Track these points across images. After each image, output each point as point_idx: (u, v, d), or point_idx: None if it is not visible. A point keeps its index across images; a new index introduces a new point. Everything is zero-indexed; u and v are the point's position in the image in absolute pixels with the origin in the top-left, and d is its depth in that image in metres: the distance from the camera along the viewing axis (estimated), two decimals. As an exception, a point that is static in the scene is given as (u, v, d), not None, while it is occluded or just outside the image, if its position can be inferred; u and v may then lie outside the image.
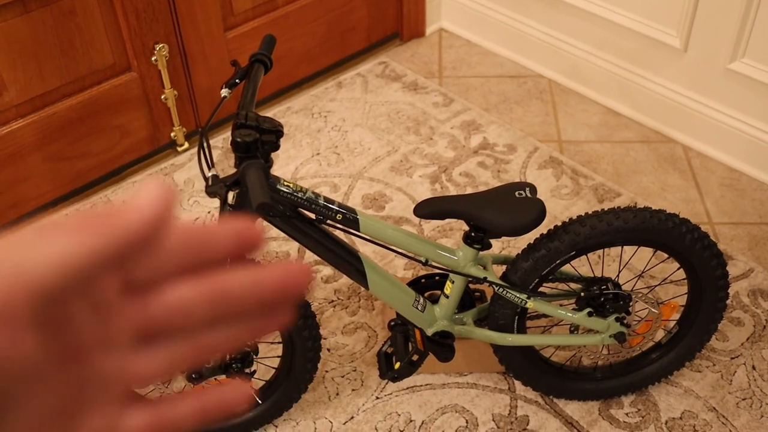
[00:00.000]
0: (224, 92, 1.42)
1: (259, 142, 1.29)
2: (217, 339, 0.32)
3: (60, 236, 0.28)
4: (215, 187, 1.31)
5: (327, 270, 2.15)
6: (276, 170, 2.08)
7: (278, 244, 2.23)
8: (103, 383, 0.30)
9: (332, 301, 2.08)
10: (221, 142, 2.62)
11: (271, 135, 1.31)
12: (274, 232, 2.25)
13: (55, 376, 0.28)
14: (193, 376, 1.57)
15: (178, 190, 1.95)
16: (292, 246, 2.22)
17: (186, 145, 2.60)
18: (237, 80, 1.44)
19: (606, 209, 1.56)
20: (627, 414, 1.82)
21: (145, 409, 0.32)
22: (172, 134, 2.55)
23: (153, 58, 2.35)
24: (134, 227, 0.29)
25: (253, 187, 1.19)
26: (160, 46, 2.34)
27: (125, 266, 0.30)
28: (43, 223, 0.29)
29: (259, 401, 1.74)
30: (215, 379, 1.61)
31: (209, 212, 2.35)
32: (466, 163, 2.52)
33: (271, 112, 2.74)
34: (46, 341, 0.28)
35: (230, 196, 1.37)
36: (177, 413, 0.32)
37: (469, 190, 2.40)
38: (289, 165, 2.52)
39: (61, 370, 0.29)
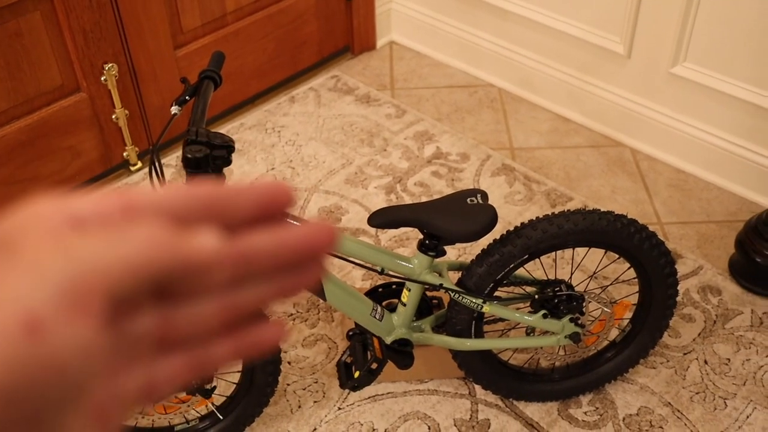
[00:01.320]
0: (174, 109, 1.42)
1: (210, 158, 1.29)
2: (248, 297, 0.32)
3: (142, 236, 0.28)
4: (168, 203, 1.31)
5: (285, 284, 2.15)
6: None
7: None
8: (123, 395, 0.30)
9: (291, 314, 2.08)
10: (174, 160, 2.61)
11: (222, 150, 1.31)
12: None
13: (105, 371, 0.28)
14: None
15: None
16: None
17: (139, 164, 2.58)
18: (187, 97, 1.44)
19: (556, 213, 1.60)
20: (585, 413, 1.86)
21: (180, 352, 0.31)
22: (125, 154, 2.53)
23: (102, 78, 2.34)
24: (203, 260, 0.29)
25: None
26: (109, 65, 2.33)
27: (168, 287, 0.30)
28: (133, 201, 0.29)
29: (220, 417, 1.73)
30: (176, 396, 1.60)
31: (165, 231, 2.34)
32: (420, 173, 2.55)
33: (224, 129, 2.74)
34: (111, 339, 0.28)
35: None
36: (212, 353, 0.32)
37: (424, 200, 2.42)
38: (244, 181, 2.52)
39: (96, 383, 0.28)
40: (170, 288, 0.30)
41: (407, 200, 2.44)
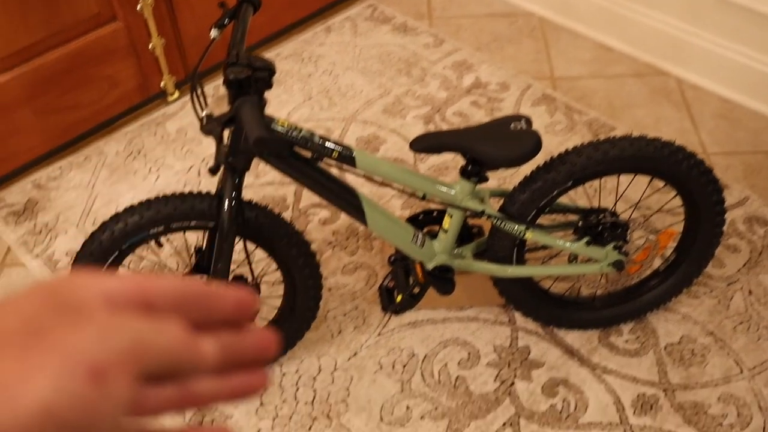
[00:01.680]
0: (213, 33, 1.40)
1: (251, 80, 1.28)
2: (205, 391, 0.38)
3: (172, 333, 0.35)
4: (210, 125, 1.31)
5: (324, 212, 2.16)
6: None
7: (274, 188, 2.23)
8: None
9: (331, 242, 2.08)
10: (212, 89, 2.59)
11: (264, 72, 1.30)
12: (269, 176, 2.25)
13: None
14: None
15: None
16: (288, 190, 2.22)
17: (176, 94, 2.58)
18: (226, 21, 1.42)
19: (602, 139, 1.56)
20: (626, 341, 1.85)
21: (170, 386, 0.37)
22: (162, 84, 2.52)
23: (138, 7, 2.32)
24: (202, 361, 0.37)
25: (248, 123, 1.19)
26: (146, -7, 2.31)
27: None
28: (150, 293, 0.36)
29: (263, 341, 1.75)
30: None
31: (203, 160, 2.34)
32: (459, 102, 2.51)
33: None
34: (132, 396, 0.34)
35: (225, 134, 1.37)
36: (199, 392, 0.38)
37: (463, 129, 2.39)
38: (281, 111, 2.50)
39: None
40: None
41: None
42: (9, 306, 0.33)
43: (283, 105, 2.53)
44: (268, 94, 1.36)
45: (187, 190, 2.22)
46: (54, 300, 0.34)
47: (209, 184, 2.25)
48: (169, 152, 2.38)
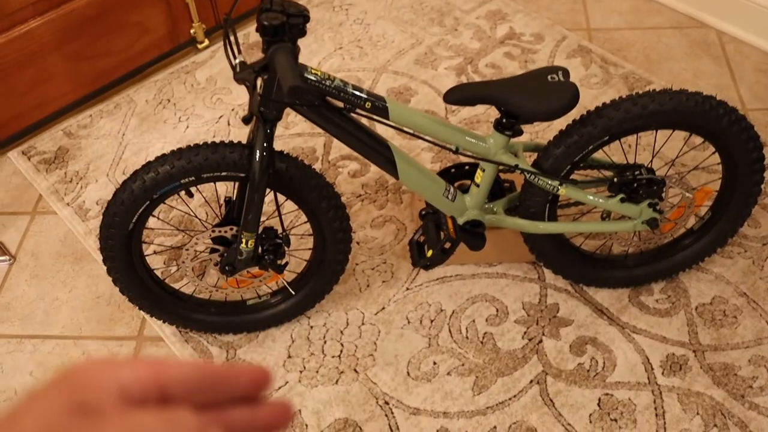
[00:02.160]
0: (246, -22, 1.37)
1: (286, 26, 1.25)
2: None
3: (184, 425, 0.35)
4: (244, 73, 1.29)
5: (354, 164, 2.14)
6: (300, 62, 2.04)
7: (303, 140, 2.22)
8: None
9: (359, 195, 2.07)
10: (242, 37, 2.57)
11: (298, 19, 1.27)
12: (299, 127, 2.23)
13: None
14: (227, 268, 1.58)
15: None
16: (318, 142, 2.20)
17: (206, 42, 2.55)
18: (259, -34, 1.39)
19: (640, 93, 1.52)
20: (657, 300, 1.83)
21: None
22: (192, 31, 2.50)
23: (169, -49, 2.28)
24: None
25: (282, 71, 1.17)
26: (176, -63, 2.27)
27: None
28: (163, 379, 0.38)
29: (292, 292, 1.75)
30: (248, 271, 1.62)
31: (233, 109, 2.33)
32: (492, 54, 2.46)
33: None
34: None
35: (259, 83, 1.35)
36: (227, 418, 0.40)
37: (495, 82, 2.35)
38: (311, 60, 2.47)
39: None
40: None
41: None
42: (27, 410, 0.34)
43: (314, 54, 2.49)
44: (299, 43, 1.33)
45: (216, 139, 2.21)
46: (70, 400, 0.35)
47: (239, 134, 2.24)
48: (198, 101, 2.37)
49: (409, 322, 1.81)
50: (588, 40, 2.50)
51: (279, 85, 1.32)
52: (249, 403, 0.41)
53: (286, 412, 0.42)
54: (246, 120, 1.41)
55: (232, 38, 1.35)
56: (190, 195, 1.57)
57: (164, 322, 1.77)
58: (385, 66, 2.44)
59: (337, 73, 2.42)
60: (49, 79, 2.24)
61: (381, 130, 2.13)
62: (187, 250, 1.62)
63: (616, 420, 1.62)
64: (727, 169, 1.66)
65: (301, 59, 2.43)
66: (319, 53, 2.49)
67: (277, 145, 2.19)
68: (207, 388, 0.39)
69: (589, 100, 2.28)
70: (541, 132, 2.19)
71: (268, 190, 1.50)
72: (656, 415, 1.63)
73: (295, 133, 2.24)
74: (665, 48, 2.46)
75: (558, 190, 1.57)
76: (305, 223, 1.66)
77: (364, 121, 1.50)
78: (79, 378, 0.36)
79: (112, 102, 2.39)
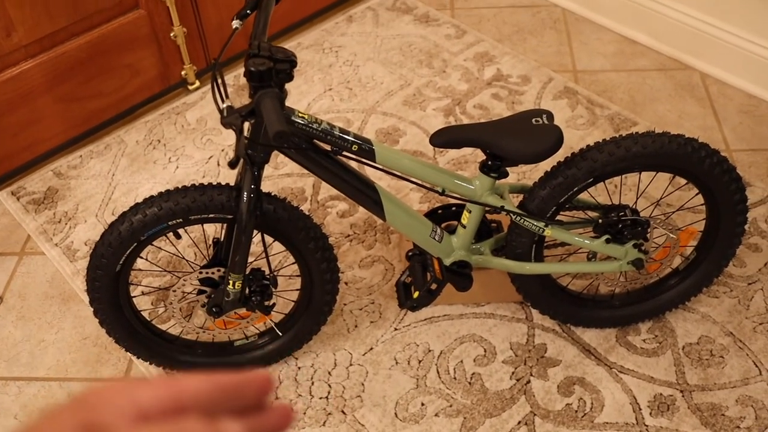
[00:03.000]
0: (235, 23, 1.40)
1: (272, 72, 1.27)
2: None
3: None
4: (230, 117, 1.30)
5: (342, 205, 2.15)
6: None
7: (292, 180, 2.23)
8: None
9: (348, 235, 2.08)
10: (232, 79, 2.59)
11: (285, 64, 1.29)
12: (288, 168, 2.25)
13: None
14: (214, 309, 1.58)
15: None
16: (307, 182, 2.22)
17: (197, 83, 2.58)
18: (248, 11, 1.42)
19: (624, 135, 1.54)
20: (644, 340, 1.83)
21: None
22: (183, 72, 2.52)
23: (160, -5, 2.32)
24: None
25: (269, 116, 1.18)
26: (167, -19, 2.31)
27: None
28: (180, 394, 0.39)
29: (279, 333, 1.75)
30: (236, 312, 1.62)
31: (222, 150, 2.34)
32: (480, 95, 2.49)
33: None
34: None
35: (245, 127, 1.37)
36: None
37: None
38: (301, 101, 2.50)
39: None
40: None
41: (466, 123, 2.39)
42: (39, 428, 0.35)
43: (304, 95, 2.52)
44: (288, 85, 1.35)
45: (206, 180, 2.22)
46: (83, 419, 0.35)
47: (229, 175, 2.25)
48: (188, 142, 2.38)
49: (397, 363, 1.80)
50: (574, 81, 2.54)
51: (266, 129, 1.34)
52: (255, 408, 0.42)
53: (288, 413, 0.44)
54: (232, 164, 1.42)
55: (219, 82, 1.36)
56: (178, 236, 1.57)
57: (151, 363, 1.76)
58: (374, 107, 2.46)
59: (326, 114, 2.45)
60: (40, 120, 2.25)
61: (370, 170, 2.15)
62: (174, 291, 1.62)
63: (604, 461, 1.62)
64: (711, 209, 1.68)
65: (292, 100, 2.46)
66: (309, 94, 2.52)
67: (267, 186, 2.20)
68: (221, 399, 0.40)
69: (576, 140, 2.31)
70: (528, 173, 2.21)
71: (255, 231, 1.51)
72: (644, 456, 1.63)
73: (284, 174, 2.25)
74: (650, 90, 2.50)
75: (544, 231, 1.59)
76: (293, 263, 1.67)
77: (353, 163, 1.51)
78: (94, 399, 0.36)
79: (103, 143, 2.40)
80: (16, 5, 2.04)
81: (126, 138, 2.41)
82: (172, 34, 2.41)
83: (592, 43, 2.69)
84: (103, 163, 2.34)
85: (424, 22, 2.80)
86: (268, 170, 2.26)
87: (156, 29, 2.38)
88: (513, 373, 1.78)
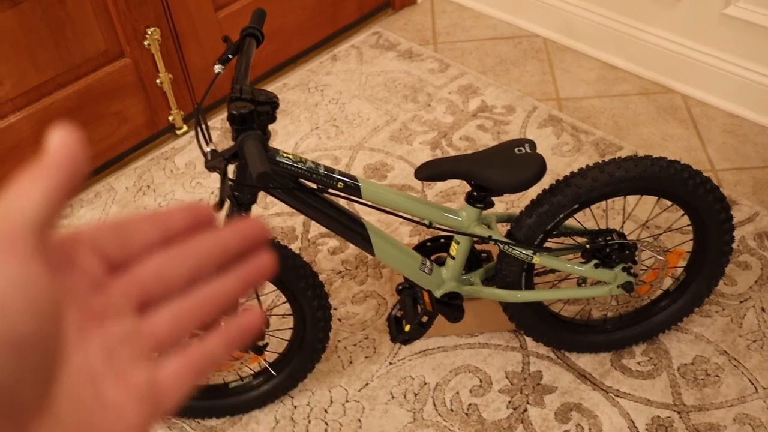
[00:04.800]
0: (217, 68, 1.42)
1: (254, 114, 1.29)
2: (210, 292, 0.37)
3: (29, 186, 0.33)
4: (214, 161, 1.32)
5: (333, 241, 2.16)
6: (276, 146, 2.08)
7: (283, 219, 2.24)
8: (124, 347, 0.34)
9: (340, 271, 2.09)
10: (219, 122, 2.62)
11: (267, 106, 1.31)
12: (278, 207, 2.26)
13: (82, 339, 0.33)
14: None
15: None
16: (297, 221, 2.23)
17: (185, 128, 2.60)
18: (229, 56, 1.44)
19: (607, 160, 1.56)
20: (639, 363, 1.83)
21: (178, 355, 0.36)
22: (170, 118, 2.55)
23: (145, 43, 2.35)
24: (65, 164, 0.34)
25: (251, 158, 1.20)
26: (152, 29, 2.34)
27: (100, 249, 0.35)
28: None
29: (274, 373, 1.75)
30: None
31: (212, 192, 2.36)
32: (465, 127, 2.52)
33: (267, 89, 2.73)
34: (56, 278, 0.31)
35: (230, 170, 1.38)
36: (207, 348, 0.37)
37: (469, 154, 2.40)
38: (288, 141, 2.52)
39: (84, 333, 0.33)
40: (110, 254, 0.35)
41: (453, 155, 2.41)
42: None
43: (291, 135, 2.54)
44: (276, 125, 1.37)
45: (196, 223, 2.23)
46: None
47: (219, 216, 2.26)
48: (178, 186, 2.40)
49: (393, 397, 1.80)
50: (558, 109, 2.57)
51: (250, 171, 1.35)
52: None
53: (256, 222, 0.39)
54: (217, 207, 1.43)
55: (203, 126, 1.38)
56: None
57: (147, 409, 1.75)
58: (361, 143, 2.49)
59: (314, 152, 2.47)
60: (30, 171, 2.26)
61: (360, 207, 2.17)
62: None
63: (605, 488, 1.61)
64: (697, 230, 1.69)
65: (279, 140, 2.49)
66: (296, 134, 2.54)
67: (257, 226, 2.21)
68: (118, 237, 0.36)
69: (562, 167, 2.33)
70: (516, 201, 2.23)
71: (245, 272, 1.51)
72: (645, 480, 1.62)
73: (274, 213, 2.26)
74: (633, 114, 2.53)
75: (532, 258, 1.60)
76: (285, 302, 1.67)
77: (343, 201, 1.53)
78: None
79: (92, 191, 2.42)
80: (1, 60, 2.07)
81: (116, 185, 2.43)
82: (158, 81, 2.44)
83: (574, 71, 2.72)
84: (93, 210, 2.35)
85: (407, 57, 2.83)
86: (257, 210, 2.27)
87: (142, 76, 2.40)
88: (509, 402, 1.78)
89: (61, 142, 0.34)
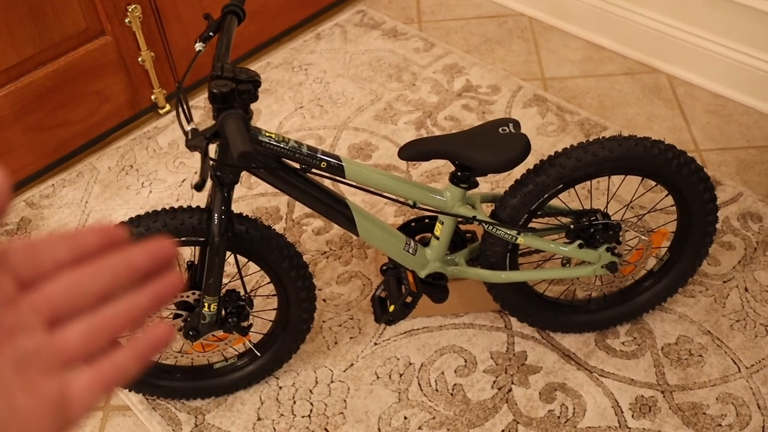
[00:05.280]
0: (198, 46, 1.39)
1: (235, 93, 1.27)
2: (120, 308, 0.39)
3: None
4: (195, 140, 1.30)
5: (318, 222, 2.15)
6: (260, 126, 2.07)
7: (267, 199, 2.23)
8: (35, 360, 0.36)
9: (324, 252, 2.08)
10: (203, 101, 2.59)
11: (248, 85, 1.29)
12: (262, 187, 2.25)
13: None
14: (190, 333, 1.57)
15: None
16: (281, 201, 2.21)
17: (167, 107, 2.57)
18: (210, 33, 1.42)
19: (591, 140, 1.55)
20: (623, 343, 1.84)
21: (89, 368, 0.38)
22: (153, 97, 2.52)
23: (126, 20, 2.31)
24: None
25: (233, 137, 1.18)
26: (133, 7, 2.30)
27: (12, 267, 0.36)
28: None
29: (258, 354, 1.75)
30: (213, 335, 1.62)
31: (196, 172, 2.34)
32: (450, 106, 2.51)
33: (251, 68, 2.70)
34: None
35: (211, 149, 1.36)
36: (117, 362, 0.38)
37: (455, 134, 2.39)
38: (272, 120, 2.50)
39: None
40: (20, 273, 0.36)
41: (437, 134, 2.40)
42: None
43: (275, 114, 2.52)
44: (259, 104, 1.35)
45: (180, 203, 2.21)
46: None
47: (202, 198, 2.25)
48: (161, 166, 2.38)
49: (378, 378, 1.80)
50: (543, 89, 2.56)
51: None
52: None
53: (163, 241, 0.41)
54: (198, 187, 1.42)
55: (184, 105, 1.36)
56: (151, 261, 1.56)
57: (130, 390, 1.75)
58: (346, 123, 2.47)
59: (298, 131, 2.45)
60: (10, 151, 2.24)
61: (345, 187, 2.15)
62: (149, 316, 1.60)
63: (588, 466, 1.62)
64: (681, 210, 1.69)
65: (263, 120, 2.46)
66: (280, 113, 2.52)
67: (241, 206, 2.20)
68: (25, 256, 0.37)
69: (547, 147, 2.32)
70: (502, 182, 2.22)
71: (228, 253, 1.50)
72: (628, 459, 1.63)
73: (258, 193, 2.25)
74: (618, 94, 2.52)
75: (517, 239, 1.60)
76: (269, 283, 1.66)
77: (328, 182, 1.52)
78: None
79: (75, 170, 2.39)
80: (-20, 37, 2.03)
81: (98, 165, 2.40)
82: (140, 59, 2.41)
83: (559, 51, 2.71)
84: (75, 191, 2.32)
85: (392, 36, 2.81)
86: (241, 191, 2.26)
87: (123, 55, 2.37)
88: (494, 382, 1.78)
89: None
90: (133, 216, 1.48)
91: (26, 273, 0.37)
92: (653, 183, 2.01)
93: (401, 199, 1.53)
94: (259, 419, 1.74)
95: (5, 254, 0.36)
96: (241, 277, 1.58)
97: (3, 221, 0.39)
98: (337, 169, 1.44)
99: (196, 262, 1.55)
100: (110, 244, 0.39)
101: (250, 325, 1.65)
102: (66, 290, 0.37)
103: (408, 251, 1.62)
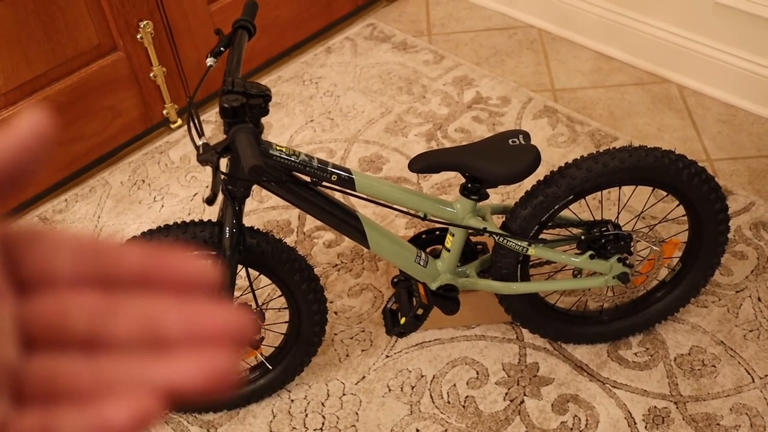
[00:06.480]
0: (210, 61, 1.41)
1: (246, 107, 1.28)
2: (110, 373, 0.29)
3: None
4: (206, 154, 1.31)
5: (329, 235, 2.16)
6: (271, 139, 2.08)
7: (278, 213, 2.24)
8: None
9: (336, 264, 2.08)
10: (214, 116, 2.61)
11: (259, 99, 1.30)
12: (273, 201, 2.26)
13: None
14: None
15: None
16: (292, 214, 2.22)
17: (179, 121, 2.59)
18: (221, 48, 1.43)
19: (601, 151, 1.56)
20: (636, 354, 1.83)
21: (38, 412, 0.29)
22: (164, 111, 2.54)
23: (138, 36, 2.34)
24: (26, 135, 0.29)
25: (243, 151, 1.19)
26: (145, 23, 2.33)
27: (12, 258, 0.29)
28: None
29: (270, 367, 1.75)
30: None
31: (207, 186, 2.35)
32: (460, 118, 2.51)
33: (261, 82, 2.72)
34: None
35: (223, 163, 1.37)
36: (65, 423, 0.29)
37: (465, 145, 2.39)
38: (283, 134, 2.51)
39: None
40: (24, 268, 0.29)
41: (448, 147, 2.40)
42: None
43: (285, 128, 2.53)
44: (270, 118, 1.36)
45: (191, 217, 2.23)
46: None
47: (214, 211, 2.26)
48: (173, 180, 2.39)
49: (390, 390, 1.80)
50: (553, 100, 2.56)
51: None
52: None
53: (247, 318, 0.29)
54: (209, 201, 1.43)
55: (195, 119, 1.37)
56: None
57: (143, 404, 1.75)
58: (356, 136, 2.48)
59: (309, 145, 2.46)
60: (24, 166, 2.25)
61: (355, 199, 2.16)
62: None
63: (601, 478, 1.61)
64: (693, 220, 1.69)
65: (273, 133, 2.48)
66: (291, 127, 2.54)
67: (252, 219, 2.21)
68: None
69: (557, 158, 2.32)
70: (512, 193, 2.23)
71: (240, 266, 1.51)
72: (642, 470, 1.62)
73: (269, 207, 2.26)
74: (628, 104, 2.52)
75: (528, 250, 1.60)
76: (281, 296, 1.67)
77: (338, 195, 1.52)
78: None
79: (87, 185, 2.41)
80: (-6, 54, 2.06)
81: (110, 179, 2.42)
82: (151, 75, 2.43)
83: (569, 62, 2.71)
84: (88, 205, 2.34)
85: (402, 49, 2.82)
86: (253, 204, 2.27)
87: (135, 70, 2.39)
88: (506, 393, 1.77)
89: (30, 118, 0.29)
90: (145, 231, 1.49)
91: (32, 270, 0.30)
92: (664, 193, 2.00)
93: (412, 212, 1.54)
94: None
95: (14, 237, 0.29)
96: (253, 291, 1.58)
97: (39, 168, 0.29)
98: (347, 182, 1.45)
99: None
100: (156, 276, 0.30)
101: (262, 338, 1.65)
102: (80, 315, 0.29)
103: (419, 263, 1.62)
